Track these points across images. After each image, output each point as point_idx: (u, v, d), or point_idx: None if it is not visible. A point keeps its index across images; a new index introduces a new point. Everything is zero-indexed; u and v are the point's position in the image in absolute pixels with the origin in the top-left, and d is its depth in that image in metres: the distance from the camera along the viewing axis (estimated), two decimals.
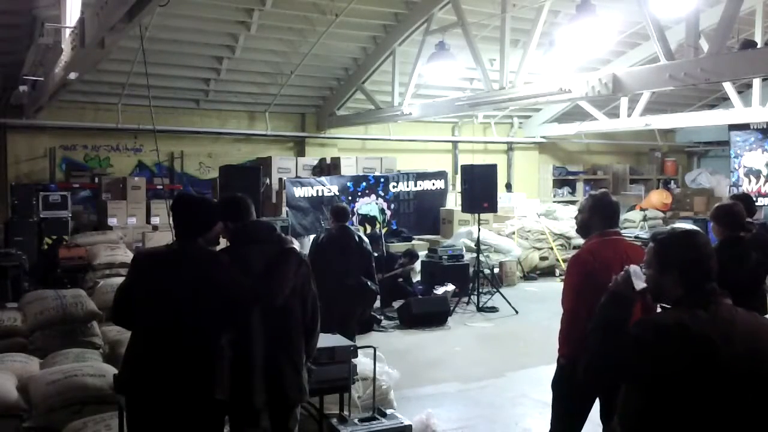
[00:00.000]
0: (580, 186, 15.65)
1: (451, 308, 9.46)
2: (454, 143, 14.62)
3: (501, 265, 11.58)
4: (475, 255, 10.14)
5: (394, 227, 12.36)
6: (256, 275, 3.55)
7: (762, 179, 13.81)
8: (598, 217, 3.92)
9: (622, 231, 13.77)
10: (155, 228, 10.51)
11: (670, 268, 2.50)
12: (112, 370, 4.33)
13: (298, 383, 3.71)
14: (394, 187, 12.46)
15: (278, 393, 3.67)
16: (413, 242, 11.66)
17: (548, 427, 4.10)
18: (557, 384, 3.97)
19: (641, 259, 3.92)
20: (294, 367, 3.69)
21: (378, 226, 12.05)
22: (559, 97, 8.30)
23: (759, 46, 8.52)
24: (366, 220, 12.13)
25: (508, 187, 14.65)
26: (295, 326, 3.71)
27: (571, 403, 3.92)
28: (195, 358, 3.26)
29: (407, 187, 12.60)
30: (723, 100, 14.08)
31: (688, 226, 12.81)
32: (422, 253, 10.80)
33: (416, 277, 10.47)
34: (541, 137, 15.25)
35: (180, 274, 3.31)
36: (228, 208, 3.81)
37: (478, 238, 10.26)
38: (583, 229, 4.04)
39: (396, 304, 9.32)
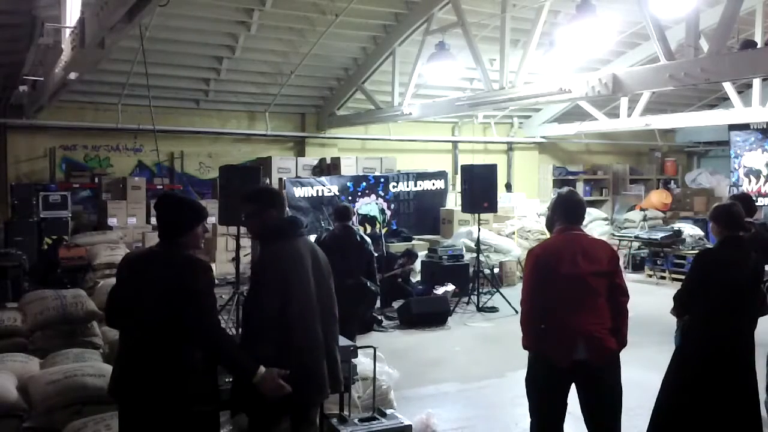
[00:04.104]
0: (580, 186, 15.64)
1: (451, 308, 9.45)
2: (454, 143, 14.63)
3: (501, 265, 11.57)
4: (475, 255, 10.13)
5: (394, 227, 12.37)
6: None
7: (762, 179, 13.81)
8: (560, 213, 4.05)
9: (622, 231, 13.73)
10: (155, 228, 10.48)
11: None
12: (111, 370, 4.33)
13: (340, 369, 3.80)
14: (394, 187, 12.47)
15: (335, 379, 3.74)
16: (413, 242, 11.66)
17: None
18: (526, 377, 4.10)
19: (600, 254, 3.97)
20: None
21: (378, 226, 12.05)
22: (559, 97, 8.30)
23: (759, 46, 8.52)
24: (366, 220, 12.13)
25: (508, 187, 14.66)
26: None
27: (541, 395, 3.97)
28: (165, 368, 3.16)
29: (407, 187, 12.61)
30: (723, 100, 14.09)
31: (687, 226, 12.85)
32: (422, 253, 10.80)
33: (416, 277, 10.47)
34: (541, 137, 15.26)
35: (153, 279, 3.22)
36: (274, 196, 3.79)
37: (478, 238, 10.25)
38: (549, 225, 4.19)
39: (396, 304, 9.32)
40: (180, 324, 3.15)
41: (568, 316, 3.83)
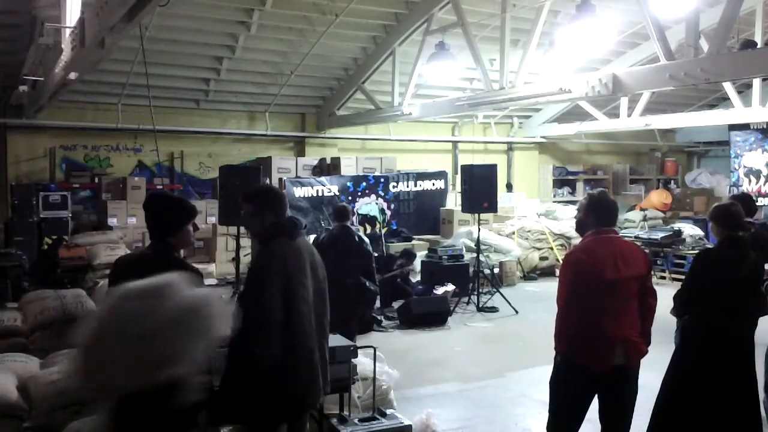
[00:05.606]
0: (580, 186, 15.65)
1: (451, 308, 9.46)
2: (454, 143, 14.62)
3: (501, 265, 11.58)
4: (475, 255, 10.14)
5: (394, 227, 12.36)
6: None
7: (762, 179, 13.81)
8: (594, 216, 3.96)
9: (622, 231, 13.76)
10: None
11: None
12: None
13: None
14: (394, 187, 12.46)
15: (326, 383, 3.73)
16: (413, 242, 11.66)
17: None
18: (554, 381, 3.99)
19: (636, 256, 3.96)
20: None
21: (378, 226, 12.05)
22: (559, 97, 8.30)
23: (759, 46, 8.52)
24: (366, 220, 12.13)
25: (509, 187, 14.65)
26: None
27: (568, 400, 3.94)
28: None
29: (407, 187, 12.60)
30: (723, 100, 14.08)
31: (687, 226, 12.85)
32: (422, 253, 10.80)
33: (416, 277, 10.47)
34: (541, 137, 15.25)
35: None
36: (273, 196, 3.77)
37: (478, 238, 10.25)
38: (580, 228, 4.09)
39: (396, 304, 9.32)
40: None
41: (607, 322, 3.79)
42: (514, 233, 12.52)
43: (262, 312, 3.38)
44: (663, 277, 11.88)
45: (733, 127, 14.01)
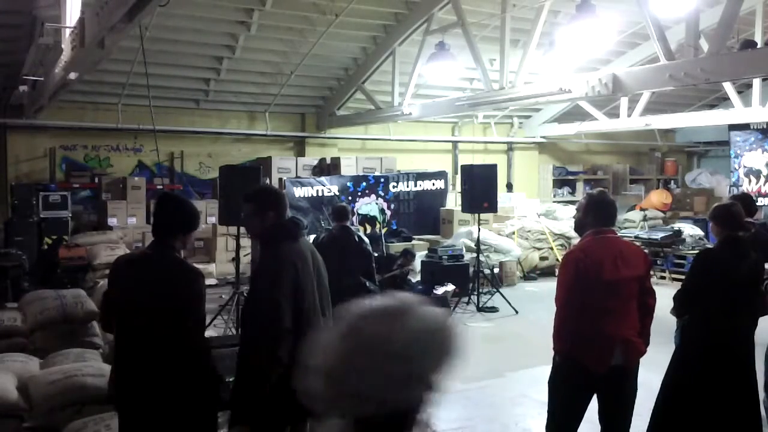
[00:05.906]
0: (580, 186, 15.65)
1: (451, 308, 9.45)
2: (454, 143, 14.62)
3: (501, 265, 11.57)
4: (475, 255, 10.13)
5: (394, 227, 12.36)
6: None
7: (762, 179, 13.81)
8: (593, 215, 3.95)
9: (622, 231, 13.75)
10: None
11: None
12: None
13: None
14: (394, 187, 12.46)
15: None
16: (413, 242, 11.66)
17: None
18: (553, 381, 3.99)
19: (636, 257, 3.96)
20: None
21: (378, 226, 12.05)
22: (559, 97, 8.30)
23: (759, 46, 8.53)
24: (366, 220, 12.13)
25: (509, 187, 14.65)
26: None
27: (567, 400, 3.94)
28: (161, 372, 3.14)
29: (407, 187, 12.60)
30: (723, 100, 14.08)
31: (687, 226, 12.85)
32: (422, 253, 10.79)
33: (416, 277, 10.46)
34: (541, 137, 15.26)
35: (145, 284, 3.21)
36: (273, 197, 3.71)
37: (478, 238, 10.25)
38: (579, 227, 4.09)
39: None
40: (171, 328, 3.14)
41: (606, 322, 3.78)
42: (514, 233, 12.51)
43: (273, 317, 3.33)
44: (663, 277, 11.87)
45: (733, 127, 14.01)
